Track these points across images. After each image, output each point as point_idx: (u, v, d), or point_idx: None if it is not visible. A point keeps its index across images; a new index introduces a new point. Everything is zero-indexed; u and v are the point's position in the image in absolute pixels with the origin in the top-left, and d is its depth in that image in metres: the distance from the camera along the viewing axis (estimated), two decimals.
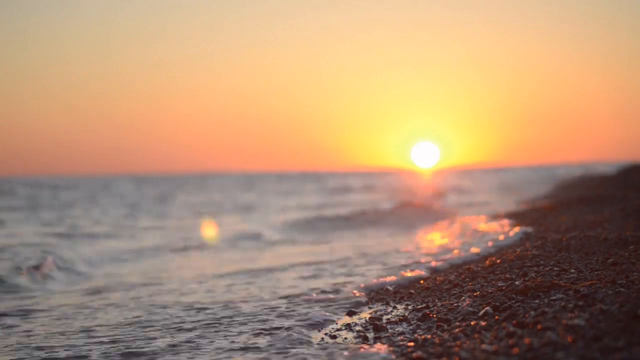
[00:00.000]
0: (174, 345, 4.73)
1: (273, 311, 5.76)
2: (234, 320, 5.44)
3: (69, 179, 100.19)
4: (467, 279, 5.89)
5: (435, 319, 4.57)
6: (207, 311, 5.89)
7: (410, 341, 4.00)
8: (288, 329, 4.98)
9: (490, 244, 9.05)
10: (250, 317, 5.53)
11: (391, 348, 3.93)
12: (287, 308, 5.89)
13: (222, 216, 22.46)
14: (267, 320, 5.39)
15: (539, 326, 3.63)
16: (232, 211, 25.48)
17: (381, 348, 4.03)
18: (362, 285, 6.70)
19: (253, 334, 4.94)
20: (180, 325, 5.38)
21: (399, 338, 4.24)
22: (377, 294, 6.16)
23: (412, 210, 19.23)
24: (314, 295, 6.38)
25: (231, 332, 5.06)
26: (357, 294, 6.26)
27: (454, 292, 5.47)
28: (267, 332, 4.94)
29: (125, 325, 5.51)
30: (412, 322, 4.66)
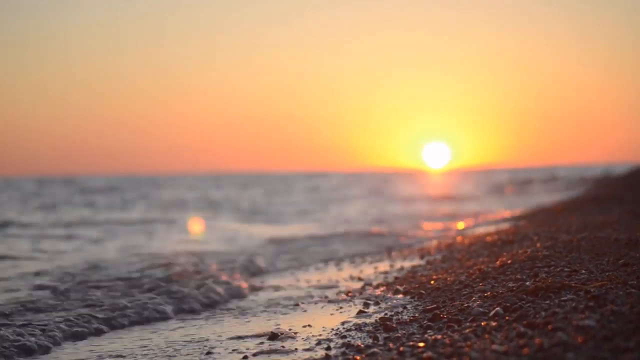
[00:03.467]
0: None
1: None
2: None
3: (93, 179, 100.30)
4: (478, 280, 5.89)
5: (446, 320, 4.57)
6: None
7: (420, 341, 4.00)
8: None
9: None
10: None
11: (402, 348, 3.94)
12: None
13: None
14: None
15: (549, 327, 3.63)
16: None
17: (391, 347, 4.04)
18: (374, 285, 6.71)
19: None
20: None
21: (409, 338, 4.24)
22: (387, 294, 6.17)
23: None
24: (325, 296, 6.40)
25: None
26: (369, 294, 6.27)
27: (465, 292, 5.48)
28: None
29: None
30: (423, 323, 4.67)
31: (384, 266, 8.79)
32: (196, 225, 18.23)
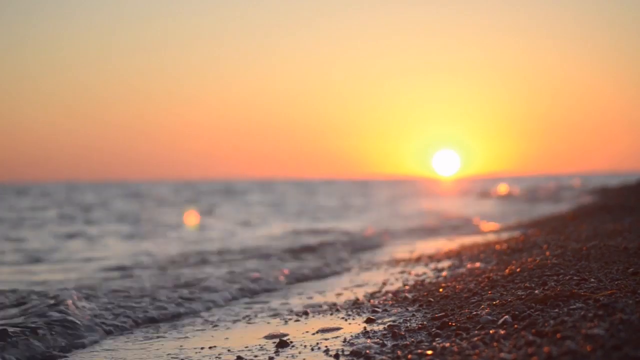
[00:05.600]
0: None
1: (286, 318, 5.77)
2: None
3: (98, 185, 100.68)
4: (487, 288, 5.88)
5: (454, 327, 4.56)
6: None
7: (429, 349, 4.00)
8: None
9: None
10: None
11: (410, 356, 3.93)
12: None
13: None
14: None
15: (558, 335, 3.62)
16: None
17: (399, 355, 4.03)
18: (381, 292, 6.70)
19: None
20: None
21: (417, 346, 4.23)
22: (396, 302, 6.16)
23: None
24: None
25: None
26: (375, 302, 6.26)
27: (473, 300, 5.46)
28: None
29: None
30: (431, 331, 4.65)
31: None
32: None
